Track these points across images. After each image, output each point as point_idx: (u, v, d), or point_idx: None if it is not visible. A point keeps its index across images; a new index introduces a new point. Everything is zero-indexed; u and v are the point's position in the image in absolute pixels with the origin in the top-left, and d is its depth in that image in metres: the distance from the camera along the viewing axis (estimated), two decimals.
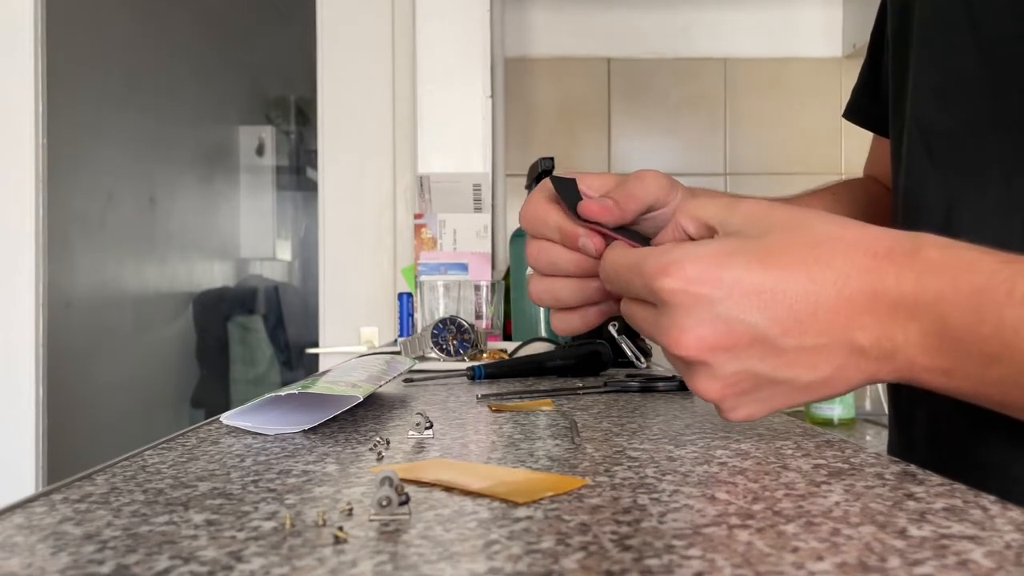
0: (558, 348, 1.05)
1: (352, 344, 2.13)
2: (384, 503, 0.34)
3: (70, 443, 2.26)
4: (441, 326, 1.13)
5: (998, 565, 0.28)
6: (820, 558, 0.29)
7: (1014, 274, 0.40)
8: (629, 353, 1.05)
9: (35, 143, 2.09)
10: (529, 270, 0.59)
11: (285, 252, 3.97)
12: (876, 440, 1.63)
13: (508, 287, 1.47)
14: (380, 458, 0.47)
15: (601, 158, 2.44)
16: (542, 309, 1.34)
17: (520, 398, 0.75)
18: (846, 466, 0.44)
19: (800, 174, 2.40)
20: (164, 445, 0.52)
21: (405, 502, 0.34)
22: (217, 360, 3.34)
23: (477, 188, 1.86)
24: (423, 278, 1.47)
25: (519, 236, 1.46)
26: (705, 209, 0.48)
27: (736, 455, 0.47)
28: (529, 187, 1.42)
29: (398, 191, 2.17)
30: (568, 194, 0.55)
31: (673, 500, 0.37)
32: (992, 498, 0.36)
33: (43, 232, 2.11)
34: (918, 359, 0.42)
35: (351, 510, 0.35)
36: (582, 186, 0.58)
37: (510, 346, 1.20)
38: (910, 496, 0.37)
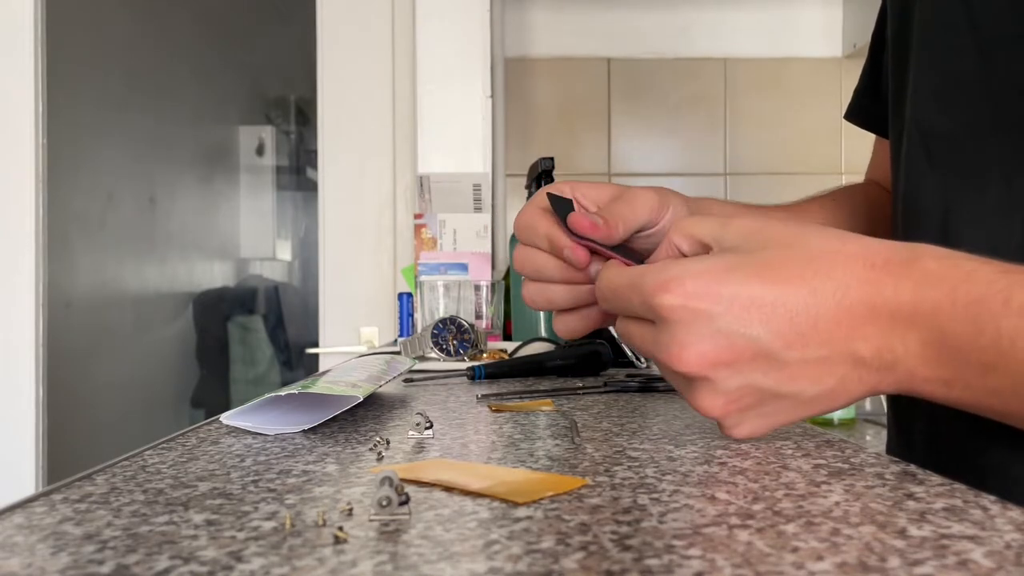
0: (558, 348, 1.05)
1: (352, 344, 2.13)
2: (384, 503, 0.34)
3: (70, 443, 2.26)
4: (441, 326, 1.13)
5: (998, 565, 0.28)
6: (820, 558, 0.29)
7: (1011, 284, 0.40)
8: (629, 353, 1.05)
9: (35, 143, 2.09)
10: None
11: (285, 252, 3.97)
12: (876, 440, 1.63)
13: (508, 287, 1.47)
14: (380, 458, 0.47)
15: (601, 158, 2.44)
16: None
17: (520, 398, 0.75)
18: (846, 466, 0.44)
19: (800, 174, 2.41)
20: (164, 445, 0.52)
21: (405, 502, 0.34)
22: (217, 360, 3.34)
23: (477, 188, 1.86)
24: (423, 278, 1.47)
25: None
26: (699, 226, 0.48)
27: (736, 455, 0.47)
28: (529, 187, 1.42)
29: (398, 191, 2.17)
30: (563, 211, 0.56)
31: (673, 500, 0.37)
32: (992, 498, 0.36)
33: (43, 232, 2.11)
34: (918, 369, 0.43)
35: (351, 510, 0.35)
36: (576, 194, 0.59)
37: (510, 346, 1.20)
38: (910, 496, 0.37)
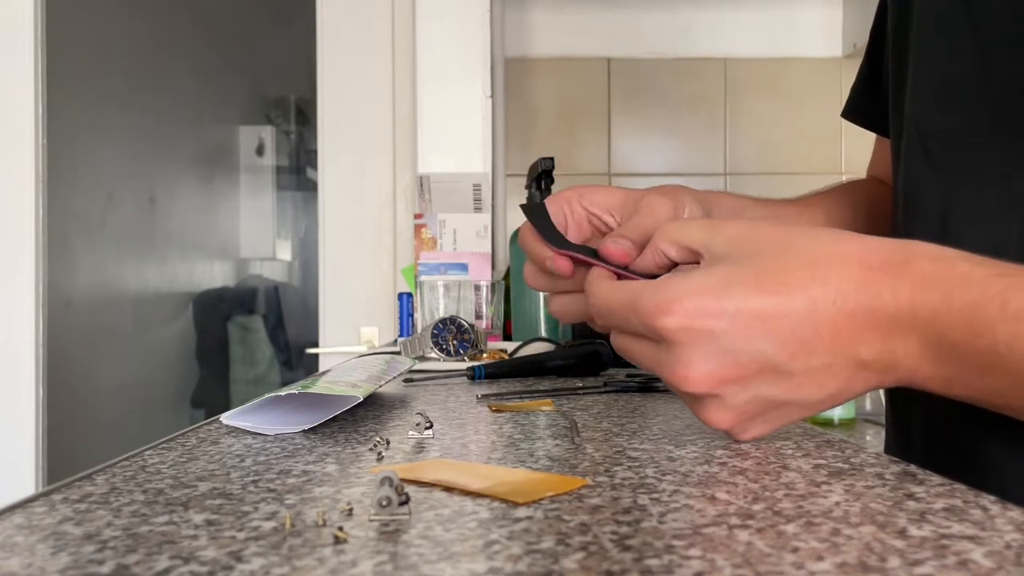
0: (558, 348, 1.05)
1: (352, 344, 2.13)
2: (384, 503, 0.34)
3: (70, 443, 2.26)
4: (441, 326, 1.13)
5: (998, 565, 0.28)
6: (820, 558, 0.29)
7: (1007, 288, 0.40)
8: None
9: (35, 143, 2.09)
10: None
11: (285, 252, 3.97)
12: (876, 440, 1.63)
13: (508, 287, 1.47)
14: (380, 458, 0.47)
15: (601, 158, 2.44)
16: (542, 309, 1.34)
17: (520, 398, 0.75)
18: (846, 466, 0.44)
19: (800, 174, 2.40)
20: (164, 445, 0.52)
21: (405, 502, 0.34)
22: (217, 360, 3.34)
23: (477, 188, 1.86)
24: (423, 278, 1.47)
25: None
26: (686, 232, 0.48)
27: (736, 455, 0.47)
28: (529, 187, 1.42)
29: (398, 191, 2.17)
30: (538, 217, 0.57)
31: (673, 500, 0.37)
32: (992, 498, 0.36)
33: (43, 232, 2.11)
34: (919, 369, 0.43)
35: (351, 510, 0.35)
36: (584, 202, 0.59)
37: (510, 346, 1.20)
38: (910, 496, 0.37)
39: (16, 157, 2.08)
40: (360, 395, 0.59)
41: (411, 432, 0.55)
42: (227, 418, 0.57)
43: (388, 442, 0.52)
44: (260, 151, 3.81)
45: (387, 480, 0.34)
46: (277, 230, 3.94)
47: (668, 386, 0.48)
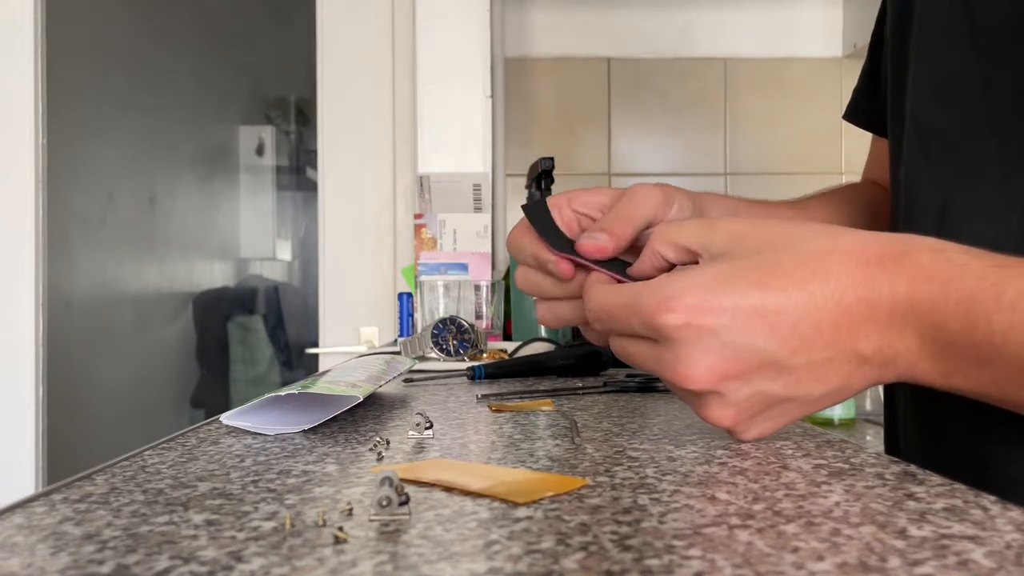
0: (558, 348, 1.05)
1: (352, 344, 2.13)
2: (384, 503, 0.34)
3: (70, 443, 2.26)
4: (441, 326, 1.13)
5: (998, 565, 0.28)
6: (820, 558, 0.29)
7: (1003, 279, 0.41)
8: None
9: (35, 143, 2.09)
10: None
11: (285, 252, 3.97)
12: (876, 440, 1.63)
13: (508, 287, 1.47)
14: (380, 458, 0.47)
15: (601, 158, 2.44)
16: None
17: (520, 398, 0.75)
18: (846, 466, 0.44)
19: (800, 174, 2.40)
20: (164, 445, 0.52)
21: (405, 502, 0.34)
22: (217, 360, 3.34)
23: (477, 188, 1.86)
24: (423, 278, 1.47)
25: None
26: (683, 232, 0.48)
27: (736, 455, 0.47)
28: (529, 187, 1.42)
29: (398, 191, 2.17)
30: (540, 218, 0.56)
31: (673, 500, 0.37)
32: (992, 498, 0.36)
33: (43, 232, 2.11)
34: (918, 363, 0.43)
35: (351, 510, 0.35)
36: (575, 204, 0.58)
37: (510, 346, 1.20)
38: (910, 496, 0.37)
39: (16, 157, 2.08)
40: (360, 395, 0.59)
41: (411, 432, 0.55)
42: (227, 418, 0.57)
43: (388, 442, 0.52)
44: (260, 151, 3.81)
45: (387, 480, 0.34)
46: (277, 230, 3.94)
47: (669, 387, 0.48)
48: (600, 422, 0.60)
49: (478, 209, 1.84)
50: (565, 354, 0.99)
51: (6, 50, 2.08)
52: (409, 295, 1.60)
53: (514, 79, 2.38)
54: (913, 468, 0.43)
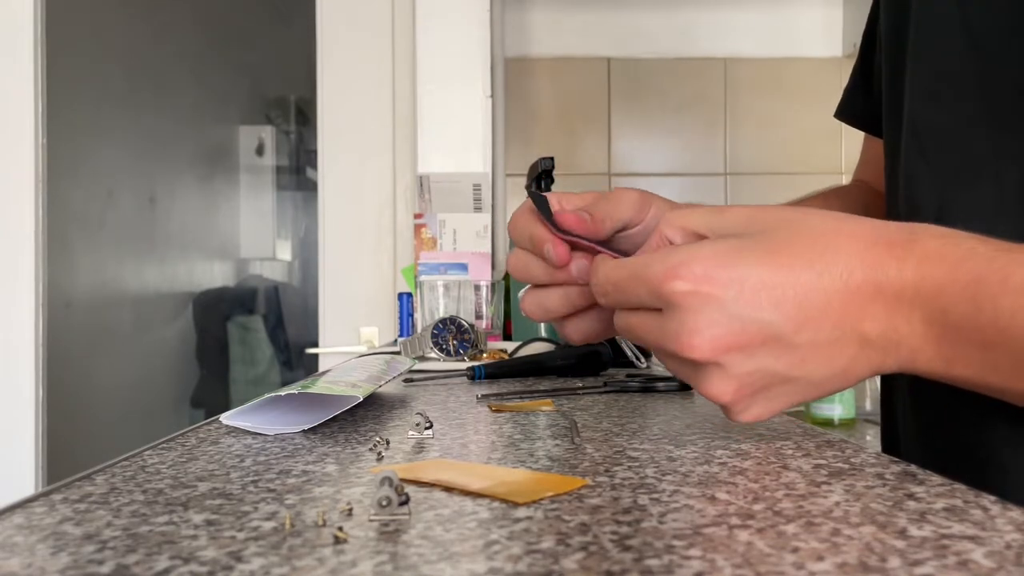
0: (558, 348, 1.05)
1: (352, 344, 2.13)
2: (384, 503, 0.34)
3: (70, 443, 2.26)
4: (441, 326, 1.13)
5: (998, 565, 0.28)
6: (820, 558, 0.29)
7: (1010, 263, 0.41)
8: (629, 353, 1.05)
9: (35, 143, 2.09)
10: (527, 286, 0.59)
11: (285, 252, 3.97)
12: (876, 440, 1.63)
13: (508, 287, 1.47)
14: (380, 458, 0.47)
15: (601, 158, 2.44)
16: None
17: (520, 398, 0.75)
18: (846, 466, 0.44)
19: (800, 174, 2.40)
20: (164, 445, 0.52)
21: (405, 502, 0.34)
22: (217, 360, 3.34)
23: (477, 188, 1.86)
24: (423, 278, 1.47)
25: None
26: (690, 218, 0.48)
27: (736, 455, 0.47)
28: (529, 187, 1.42)
29: (398, 191, 2.17)
30: (544, 207, 0.56)
31: (673, 500, 0.37)
32: (992, 498, 0.36)
33: (43, 232, 2.11)
34: (921, 349, 0.43)
35: (351, 510, 0.35)
36: (564, 203, 0.58)
37: (510, 346, 1.20)
38: (910, 496, 0.37)
39: (16, 157, 2.08)
40: (360, 395, 0.59)
41: (411, 432, 0.55)
42: (227, 418, 0.57)
43: (388, 442, 0.52)
44: (260, 151, 3.81)
45: (387, 480, 0.34)
46: (277, 230, 3.94)
47: (669, 365, 0.47)
48: (600, 422, 0.60)
49: (478, 209, 1.84)
50: (565, 354, 0.99)
51: (6, 50, 2.08)
52: (409, 295, 1.60)
53: (514, 79, 2.38)
54: (913, 468, 0.43)
